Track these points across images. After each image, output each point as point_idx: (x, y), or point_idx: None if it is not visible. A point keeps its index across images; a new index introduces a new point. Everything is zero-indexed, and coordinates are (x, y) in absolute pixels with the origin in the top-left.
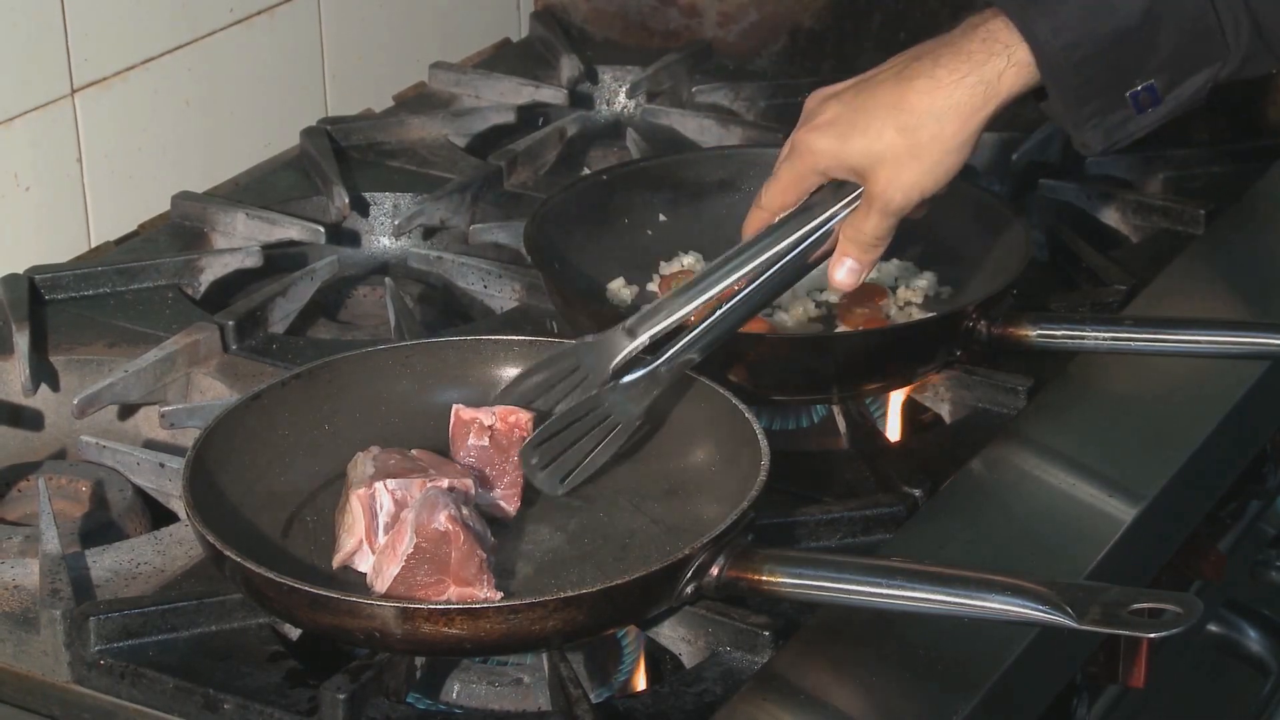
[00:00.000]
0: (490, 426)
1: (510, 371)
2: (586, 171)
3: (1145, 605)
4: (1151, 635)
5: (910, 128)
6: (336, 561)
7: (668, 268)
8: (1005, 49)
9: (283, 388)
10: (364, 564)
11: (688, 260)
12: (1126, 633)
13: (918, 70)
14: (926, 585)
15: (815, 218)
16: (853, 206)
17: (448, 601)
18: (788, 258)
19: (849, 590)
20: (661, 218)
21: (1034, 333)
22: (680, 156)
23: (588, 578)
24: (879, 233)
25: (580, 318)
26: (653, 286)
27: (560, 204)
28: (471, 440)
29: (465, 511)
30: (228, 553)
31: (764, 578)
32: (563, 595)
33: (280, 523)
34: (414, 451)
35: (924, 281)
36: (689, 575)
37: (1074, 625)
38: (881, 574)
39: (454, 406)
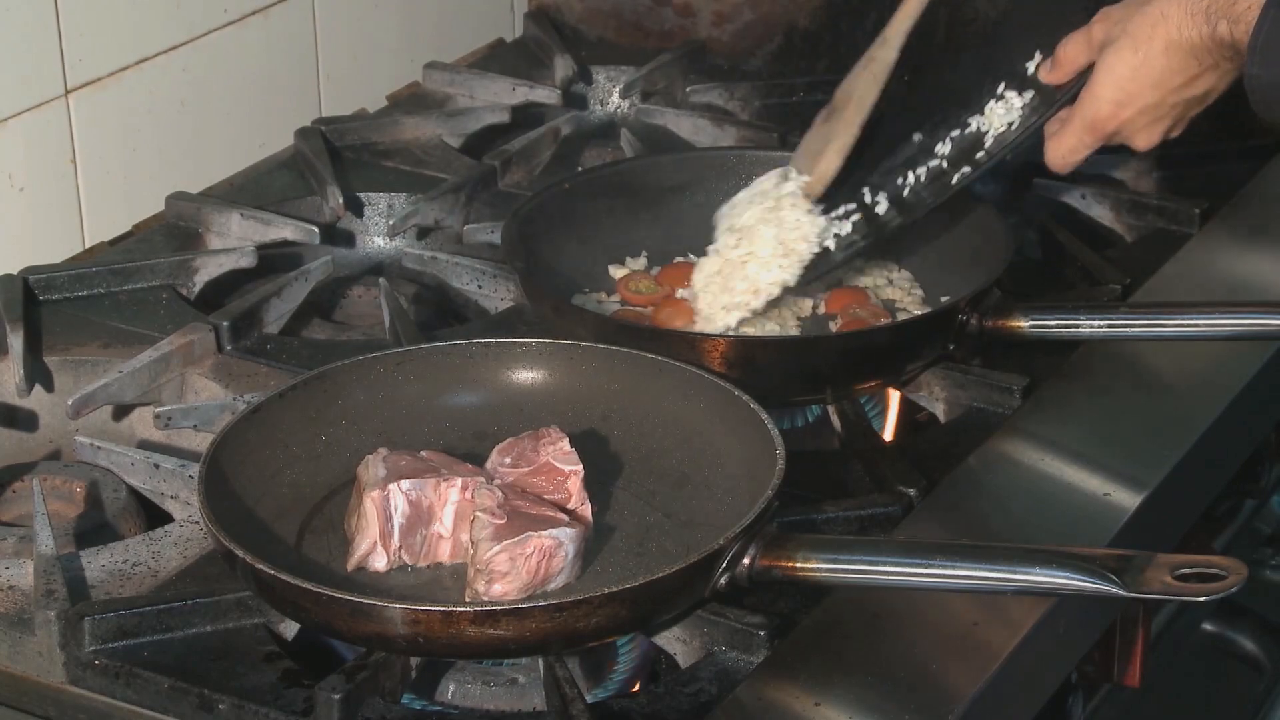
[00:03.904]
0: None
1: (506, 372)
2: (580, 170)
3: (1192, 569)
4: (1202, 598)
5: None
6: (351, 564)
7: (617, 271)
8: None
9: (280, 400)
10: (379, 564)
11: (639, 263)
12: (1177, 597)
13: None
14: (969, 562)
15: None
16: None
17: (494, 602)
18: None
19: (888, 572)
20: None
21: (1026, 323)
22: (637, 161)
23: (611, 573)
24: None
25: (556, 319)
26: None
27: (536, 207)
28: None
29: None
30: (291, 580)
31: (798, 564)
32: (607, 591)
33: (293, 532)
34: (423, 453)
35: (905, 278)
36: (723, 566)
37: (1123, 594)
38: (921, 553)
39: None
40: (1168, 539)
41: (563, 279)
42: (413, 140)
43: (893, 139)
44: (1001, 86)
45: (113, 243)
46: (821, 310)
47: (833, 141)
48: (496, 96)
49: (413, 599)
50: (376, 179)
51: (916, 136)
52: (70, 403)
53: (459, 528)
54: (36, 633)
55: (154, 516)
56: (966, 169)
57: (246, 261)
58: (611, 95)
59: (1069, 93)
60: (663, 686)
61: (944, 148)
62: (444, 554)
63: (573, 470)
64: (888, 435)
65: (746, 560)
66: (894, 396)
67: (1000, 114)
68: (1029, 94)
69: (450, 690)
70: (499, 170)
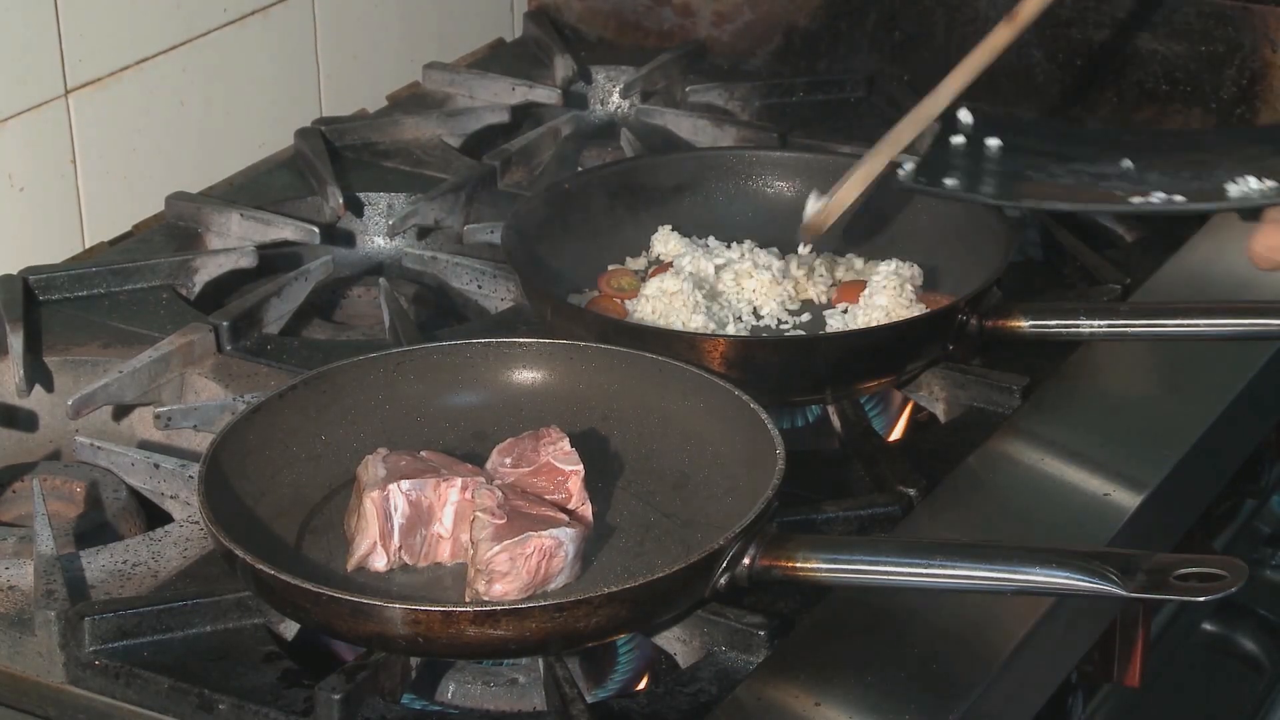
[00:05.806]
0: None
1: (506, 372)
2: (581, 170)
3: (1191, 570)
4: (1201, 599)
5: None
6: (351, 564)
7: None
8: None
9: (280, 400)
10: (379, 564)
11: (637, 263)
12: (1177, 597)
13: None
14: (969, 562)
15: None
16: None
17: (494, 602)
18: None
19: (887, 572)
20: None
21: (1026, 323)
22: (637, 161)
23: (611, 573)
24: None
25: (556, 319)
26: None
27: (536, 207)
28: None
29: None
30: (291, 580)
31: (797, 564)
32: (607, 591)
33: (293, 532)
34: (423, 453)
35: (910, 273)
36: (723, 566)
37: (1122, 593)
38: (921, 553)
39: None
40: (1168, 539)
41: (563, 279)
42: (413, 140)
43: (1102, 152)
44: (1244, 174)
45: (113, 243)
46: (826, 300)
47: (857, 171)
48: (496, 96)
49: (413, 599)
50: (376, 179)
51: (1126, 163)
52: (70, 403)
53: (459, 528)
54: (36, 633)
55: (154, 516)
56: (1157, 196)
57: (246, 261)
58: (611, 95)
59: None
60: (663, 686)
61: (1147, 184)
62: (444, 554)
63: (573, 470)
64: (888, 435)
65: (746, 560)
66: (894, 396)
67: (1232, 188)
68: (1271, 182)
69: (450, 690)
70: (499, 170)
